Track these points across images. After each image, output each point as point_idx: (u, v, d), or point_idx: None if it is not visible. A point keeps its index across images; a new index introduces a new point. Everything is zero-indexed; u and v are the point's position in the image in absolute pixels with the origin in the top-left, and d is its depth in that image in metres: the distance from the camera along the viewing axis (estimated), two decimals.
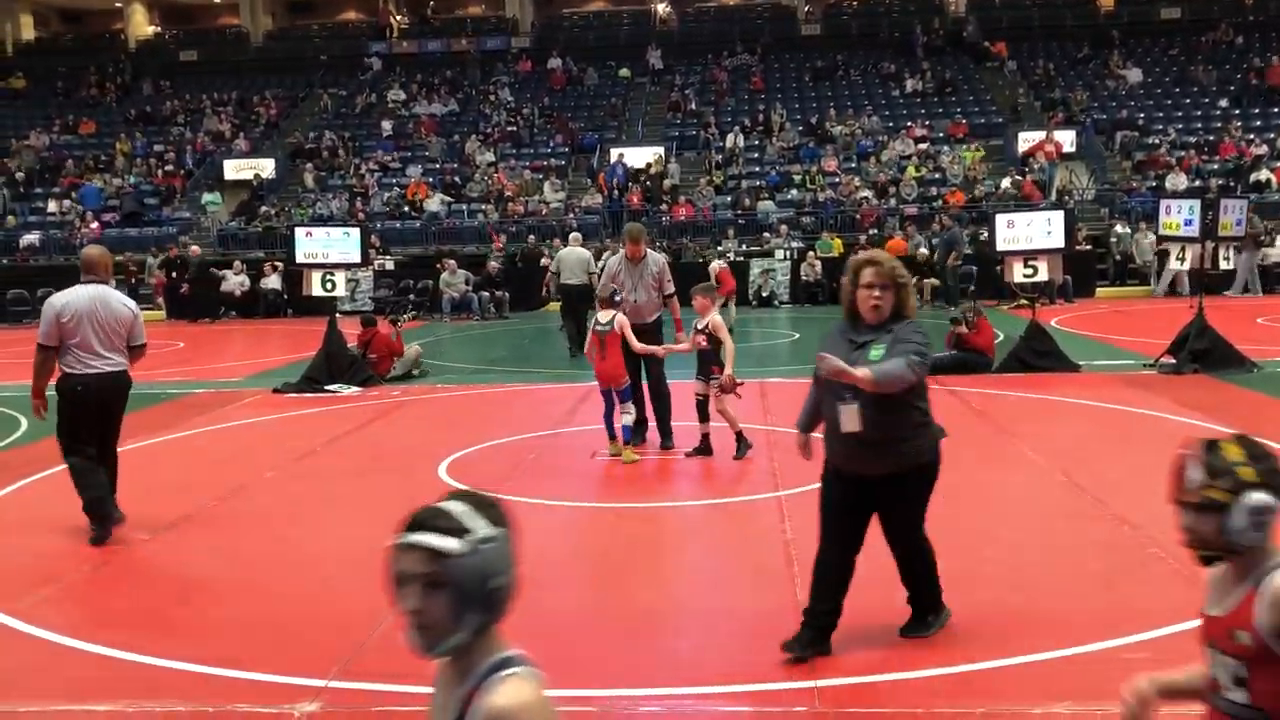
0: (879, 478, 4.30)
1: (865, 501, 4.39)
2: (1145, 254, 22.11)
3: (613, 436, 8.32)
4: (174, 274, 23.36)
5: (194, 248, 24.48)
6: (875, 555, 5.94)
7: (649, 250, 9.01)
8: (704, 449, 8.30)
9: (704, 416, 8.25)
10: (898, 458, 4.27)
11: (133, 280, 23.76)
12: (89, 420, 6.51)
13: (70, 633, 4.94)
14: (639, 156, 28.26)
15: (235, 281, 23.17)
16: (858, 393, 4.13)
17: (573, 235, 16.19)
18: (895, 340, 4.18)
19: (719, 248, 23.46)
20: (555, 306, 23.01)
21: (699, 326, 8.09)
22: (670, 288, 8.85)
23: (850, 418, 4.20)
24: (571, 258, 15.33)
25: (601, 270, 9.91)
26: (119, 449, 6.85)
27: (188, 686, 4.36)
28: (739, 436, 8.15)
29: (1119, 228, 23.11)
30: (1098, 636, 4.51)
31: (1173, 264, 13.31)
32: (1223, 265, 12.86)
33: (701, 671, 4.41)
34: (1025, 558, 5.78)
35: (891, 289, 4.27)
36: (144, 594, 5.62)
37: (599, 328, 8.22)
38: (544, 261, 21.29)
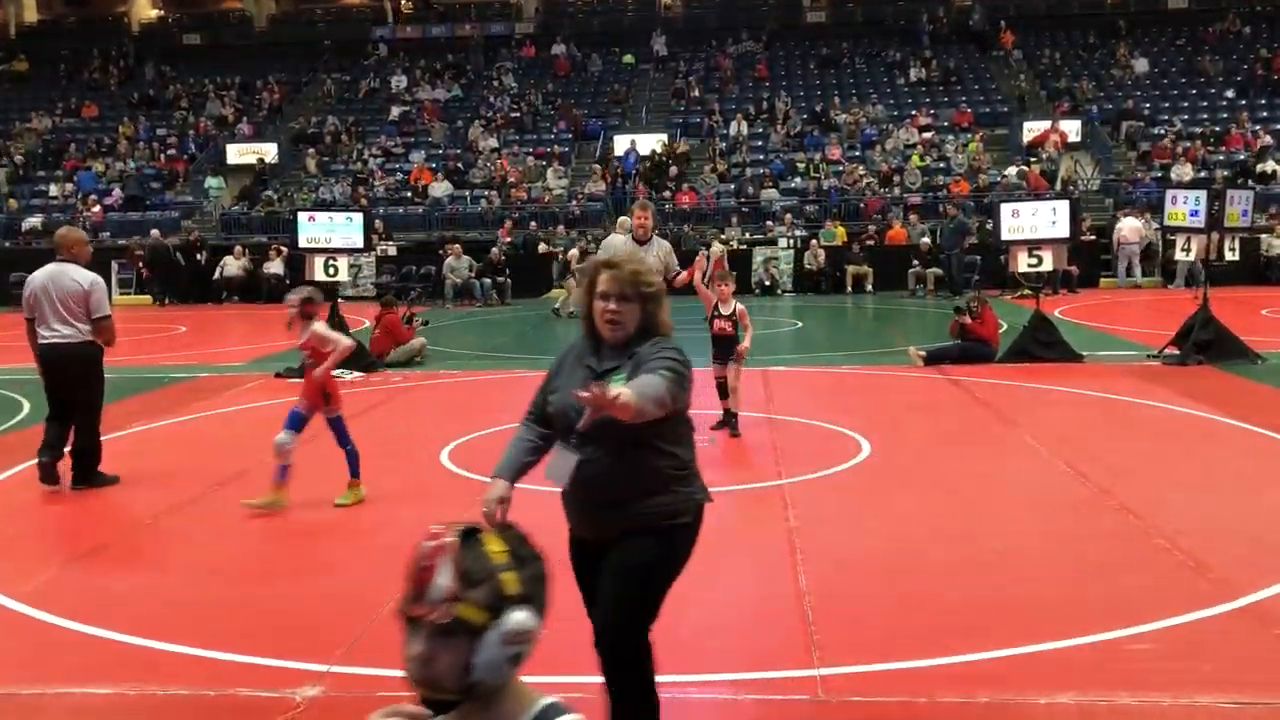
0: (612, 541, 3.29)
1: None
2: (1130, 240, 22.08)
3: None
4: (152, 262, 23.41)
5: (154, 232, 24.38)
6: (870, 541, 5.95)
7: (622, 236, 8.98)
8: (727, 421, 8.58)
9: (724, 394, 8.58)
10: (638, 517, 3.24)
11: (139, 265, 23.79)
12: (50, 386, 7.28)
13: (71, 616, 4.93)
14: (644, 144, 28.18)
15: (235, 266, 23.16)
16: (586, 438, 3.18)
17: (621, 220, 15.67)
18: (637, 364, 3.20)
19: (721, 234, 23.40)
20: (559, 293, 23.08)
21: (724, 313, 8.50)
22: (676, 268, 8.68)
23: (563, 469, 3.24)
24: (617, 244, 15.08)
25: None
26: (107, 431, 7.36)
27: (189, 670, 4.36)
28: (733, 415, 8.53)
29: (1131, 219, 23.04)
30: (1102, 627, 4.50)
31: (1178, 255, 13.26)
32: (1228, 256, 12.82)
33: (704, 659, 4.40)
34: (1029, 547, 5.77)
35: (636, 301, 3.30)
36: (145, 577, 5.61)
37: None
38: (572, 251, 21.02)
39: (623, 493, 3.24)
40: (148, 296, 23.58)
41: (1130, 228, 22.18)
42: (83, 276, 7.37)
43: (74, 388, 7.26)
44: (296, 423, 6.67)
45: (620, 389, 2.93)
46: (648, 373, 3.12)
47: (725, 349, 8.49)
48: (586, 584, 3.41)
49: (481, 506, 3.36)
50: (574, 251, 20.94)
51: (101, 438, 7.48)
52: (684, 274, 8.54)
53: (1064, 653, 4.31)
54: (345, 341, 6.90)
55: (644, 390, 3.01)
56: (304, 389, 6.85)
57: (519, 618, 1.66)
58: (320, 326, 6.86)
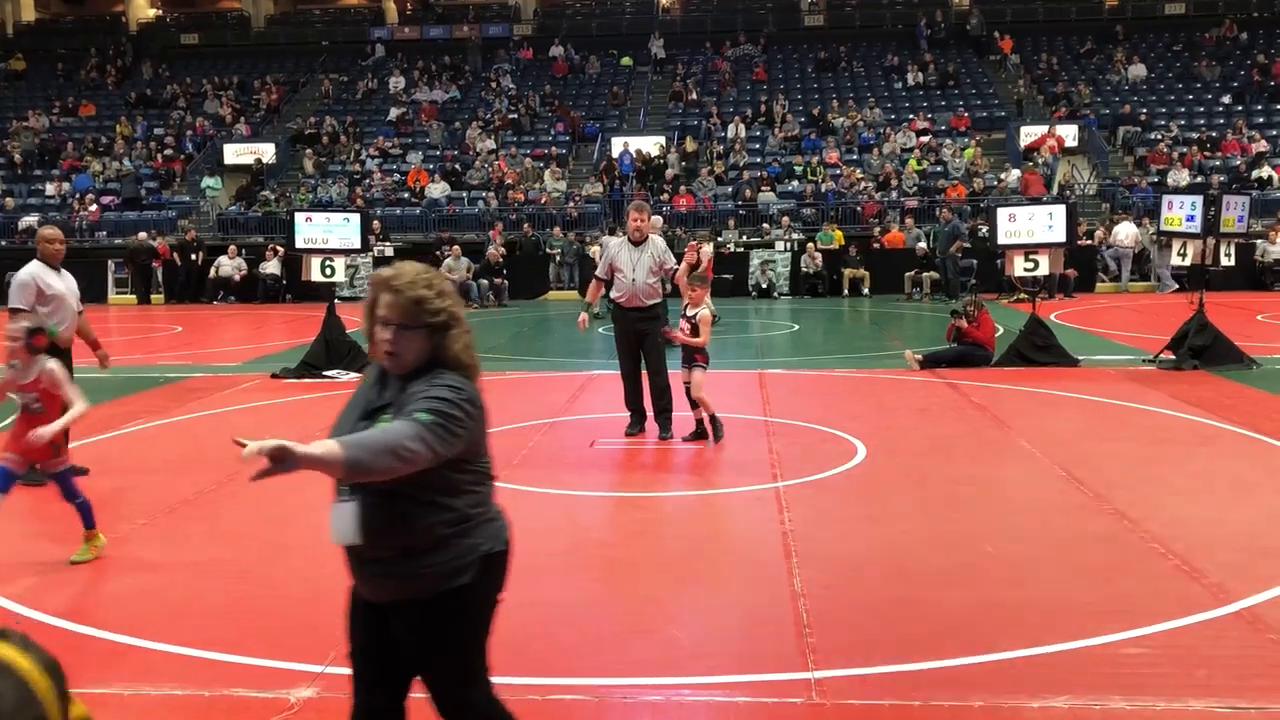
0: (390, 605, 2.92)
1: (390, 640, 2.98)
2: (1126, 244, 22.23)
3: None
4: (179, 258, 23.43)
5: (141, 234, 24.36)
6: (865, 544, 5.96)
7: (653, 236, 8.91)
8: (700, 434, 8.36)
9: (695, 403, 8.35)
10: (410, 579, 2.84)
11: (140, 264, 23.80)
12: None
13: (64, 616, 4.93)
14: (641, 145, 28.20)
15: (230, 266, 23.15)
16: (354, 487, 2.80)
17: (654, 219, 15.28)
18: (400, 406, 2.79)
19: (715, 235, 23.43)
20: (555, 295, 23.11)
21: (687, 314, 8.26)
22: (671, 266, 8.65)
23: (344, 522, 2.82)
24: (663, 243, 14.85)
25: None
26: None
27: (183, 671, 4.35)
28: (713, 419, 8.30)
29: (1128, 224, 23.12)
30: (1096, 631, 4.50)
31: (1174, 259, 13.29)
32: (1224, 261, 12.85)
33: (698, 661, 4.40)
34: (1024, 552, 5.77)
35: (419, 330, 2.84)
36: (139, 578, 5.60)
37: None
38: (593, 250, 20.94)
39: (387, 550, 2.82)
40: (135, 297, 23.59)
41: (1126, 233, 22.28)
42: (18, 274, 7.43)
43: None
44: (4, 482, 5.46)
45: (319, 449, 2.59)
46: (403, 416, 2.71)
47: (687, 352, 8.32)
48: (359, 643, 3.06)
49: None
50: (594, 249, 20.81)
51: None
52: (680, 270, 8.54)
53: (1058, 657, 4.32)
54: (81, 404, 5.61)
55: (359, 453, 2.58)
56: (15, 438, 5.56)
57: None
58: (54, 366, 5.61)
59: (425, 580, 2.82)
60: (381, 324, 2.85)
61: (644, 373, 8.63)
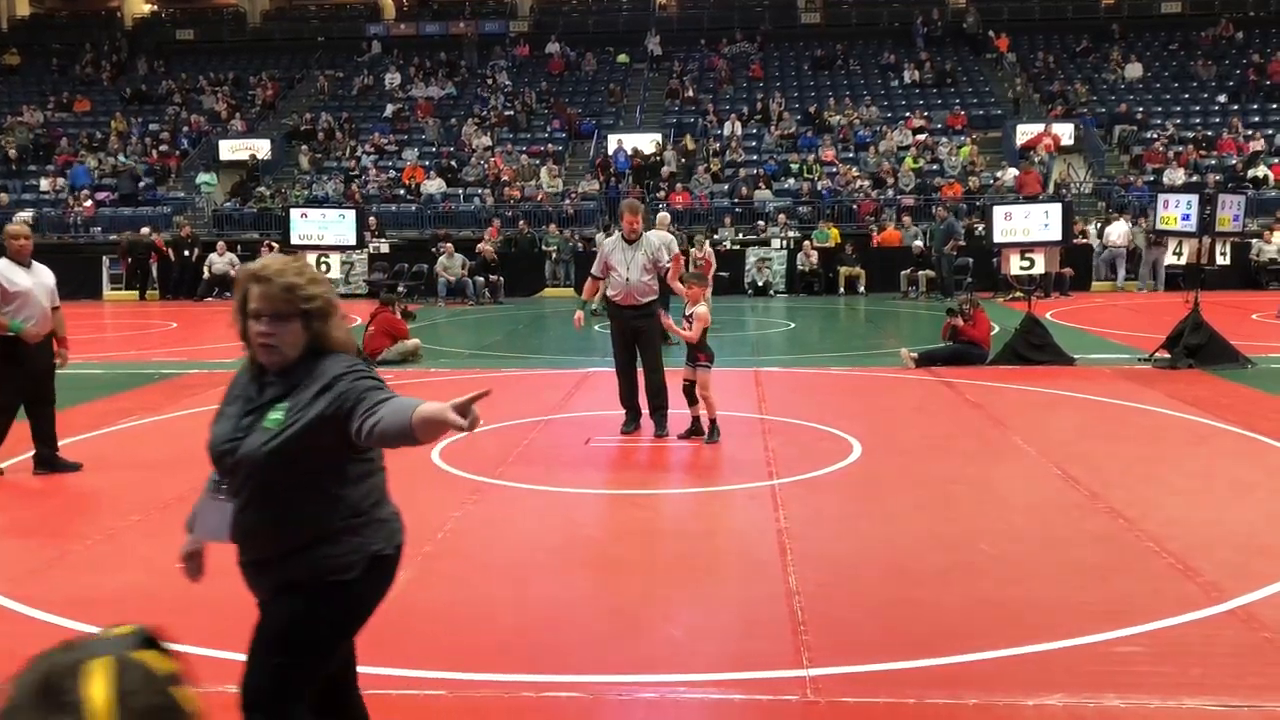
0: (270, 599, 2.84)
1: None
2: (1119, 244, 22.35)
3: None
4: (173, 254, 23.40)
5: (145, 229, 24.34)
6: (860, 542, 5.96)
7: (649, 233, 8.88)
8: (695, 430, 8.36)
9: (692, 400, 8.33)
10: (290, 569, 2.76)
11: (129, 260, 23.76)
12: None
13: (59, 611, 4.91)
14: (637, 143, 28.19)
15: (223, 262, 23.10)
16: (238, 486, 2.78)
17: (661, 216, 15.00)
18: (324, 391, 2.73)
19: (712, 233, 23.43)
20: (551, 292, 23.10)
21: (686, 314, 8.24)
22: (666, 265, 8.59)
23: (216, 520, 2.80)
24: (656, 240, 14.60)
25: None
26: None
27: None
28: (712, 423, 8.27)
29: (1121, 222, 23.15)
30: (1091, 629, 4.50)
31: (1169, 258, 13.32)
32: (1219, 260, 12.87)
33: (693, 659, 4.39)
34: (1019, 550, 5.77)
35: (295, 319, 2.77)
36: (134, 573, 5.59)
37: None
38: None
39: (275, 547, 2.75)
40: (135, 292, 23.53)
41: (1119, 232, 22.34)
42: None
43: None
44: None
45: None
46: (370, 401, 2.68)
47: (689, 350, 8.28)
48: None
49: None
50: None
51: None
52: (669, 275, 8.52)
53: (1053, 655, 4.32)
54: None
55: (386, 429, 2.62)
56: None
57: None
58: None
59: (301, 569, 2.75)
60: (254, 317, 2.77)
61: (640, 370, 8.62)
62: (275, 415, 2.74)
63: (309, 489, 2.75)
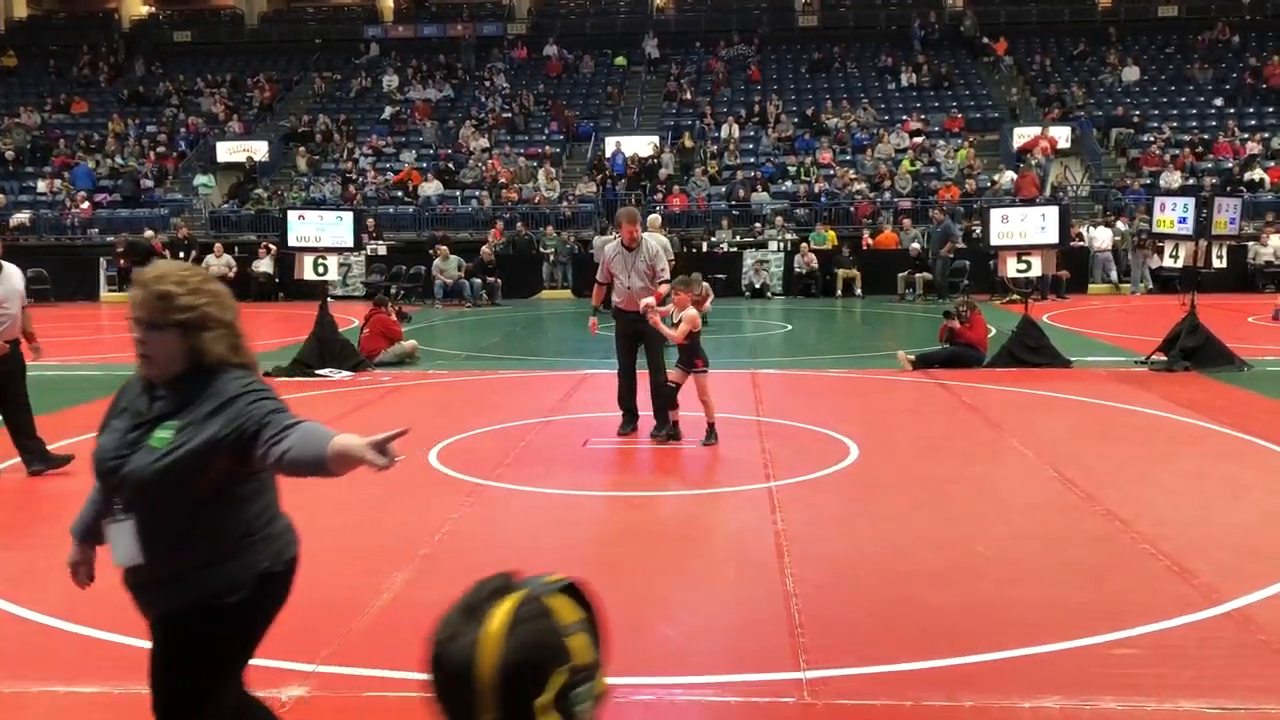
0: (158, 621, 2.76)
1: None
2: (1102, 244, 22.43)
3: None
4: (170, 255, 23.39)
5: (148, 231, 24.37)
6: (857, 544, 5.97)
7: (646, 235, 8.90)
8: (674, 434, 8.38)
9: (673, 404, 8.37)
10: (175, 593, 2.66)
11: (120, 261, 23.75)
12: None
13: (52, 612, 4.91)
14: (635, 145, 28.21)
15: (220, 264, 23.10)
16: (125, 504, 2.65)
17: (651, 218, 14.78)
18: (217, 411, 2.58)
19: (703, 280, 23.51)
20: (549, 294, 23.12)
21: (674, 320, 8.26)
22: (664, 274, 8.63)
23: (124, 542, 2.66)
24: (654, 246, 14.35)
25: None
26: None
27: None
28: (710, 426, 8.30)
29: (1120, 224, 23.20)
30: (1088, 631, 4.51)
31: (1165, 261, 13.35)
32: (1215, 263, 12.90)
33: (690, 661, 4.40)
34: (1015, 552, 5.78)
35: (170, 330, 2.62)
36: None
37: None
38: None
39: (160, 570, 2.64)
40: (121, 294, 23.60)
41: (1103, 236, 22.47)
42: None
43: None
44: None
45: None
46: (287, 432, 2.51)
47: (682, 354, 8.29)
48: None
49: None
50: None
51: None
52: (659, 291, 8.49)
53: (1049, 657, 4.33)
54: None
55: (299, 455, 2.46)
56: None
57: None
58: None
59: (188, 595, 2.64)
60: (134, 323, 2.65)
61: (641, 373, 8.65)
62: (163, 434, 2.59)
63: (197, 511, 2.62)
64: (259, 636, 2.81)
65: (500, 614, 1.35)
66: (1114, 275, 22.48)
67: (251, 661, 4.33)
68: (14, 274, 7.58)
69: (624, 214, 8.89)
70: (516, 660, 1.32)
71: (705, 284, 17.67)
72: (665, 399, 8.51)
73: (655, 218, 15.29)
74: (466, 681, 1.32)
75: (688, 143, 28.37)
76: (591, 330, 9.19)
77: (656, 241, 9.02)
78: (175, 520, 2.62)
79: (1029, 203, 19.04)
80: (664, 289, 8.46)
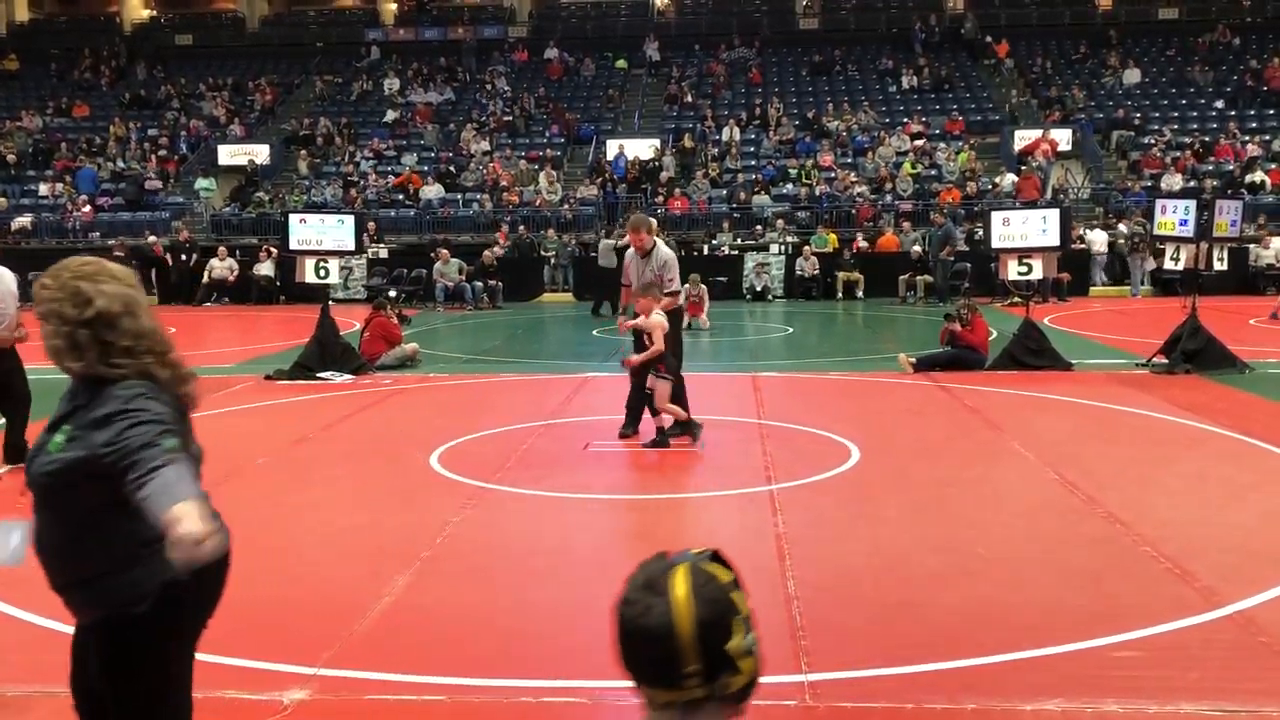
0: (87, 627, 2.70)
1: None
2: (1099, 247, 22.52)
3: None
4: (171, 258, 23.46)
5: (150, 237, 24.44)
6: (859, 546, 5.97)
7: (658, 243, 8.87)
8: (661, 442, 8.36)
9: (654, 411, 8.40)
10: (92, 601, 2.62)
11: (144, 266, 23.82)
12: None
13: (59, 616, 4.90)
14: (636, 147, 28.23)
15: (223, 267, 23.12)
16: (34, 503, 2.63)
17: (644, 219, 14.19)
18: (98, 425, 2.45)
19: (714, 240, 23.52)
20: (550, 297, 23.13)
21: (639, 324, 8.33)
22: (672, 285, 8.63)
23: (5, 540, 2.67)
24: (663, 255, 13.79)
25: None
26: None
27: None
28: (660, 430, 8.35)
29: (1122, 227, 23.22)
30: (1089, 633, 4.51)
31: (1167, 264, 13.35)
32: (1216, 266, 12.90)
33: None
34: (1016, 554, 5.78)
35: (49, 324, 2.55)
36: None
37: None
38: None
39: (65, 575, 2.61)
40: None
41: (1100, 239, 22.51)
42: None
43: None
44: None
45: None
46: (148, 479, 2.31)
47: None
48: (71, 671, 2.78)
49: None
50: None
51: None
52: (667, 301, 8.49)
53: (1050, 659, 4.32)
54: None
55: (168, 516, 2.23)
56: None
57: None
58: None
59: (100, 602, 2.59)
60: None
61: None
62: (58, 438, 2.52)
63: (91, 517, 2.52)
64: (183, 646, 2.74)
65: (680, 583, 1.62)
66: (1100, 279, 22.53)
67: (250, 665, 4.34)
68: (8, 276, 7.75)
69: (631, 221, 8.91)
70: (707, 616, 1.61)
71: (703, 286, 17.76)
72: (636, 401, 8.52)
73: (651, 221, 15.15)
74: (670, 641, 1.59)
75: (688, 143, 28.39)
76: (620, 329, 9.29)
77: (668, 251, 8.94)
78: (70, 526, 2.55)
79: (1030, 205, 19.06)
80: (667, 301, 8.45)
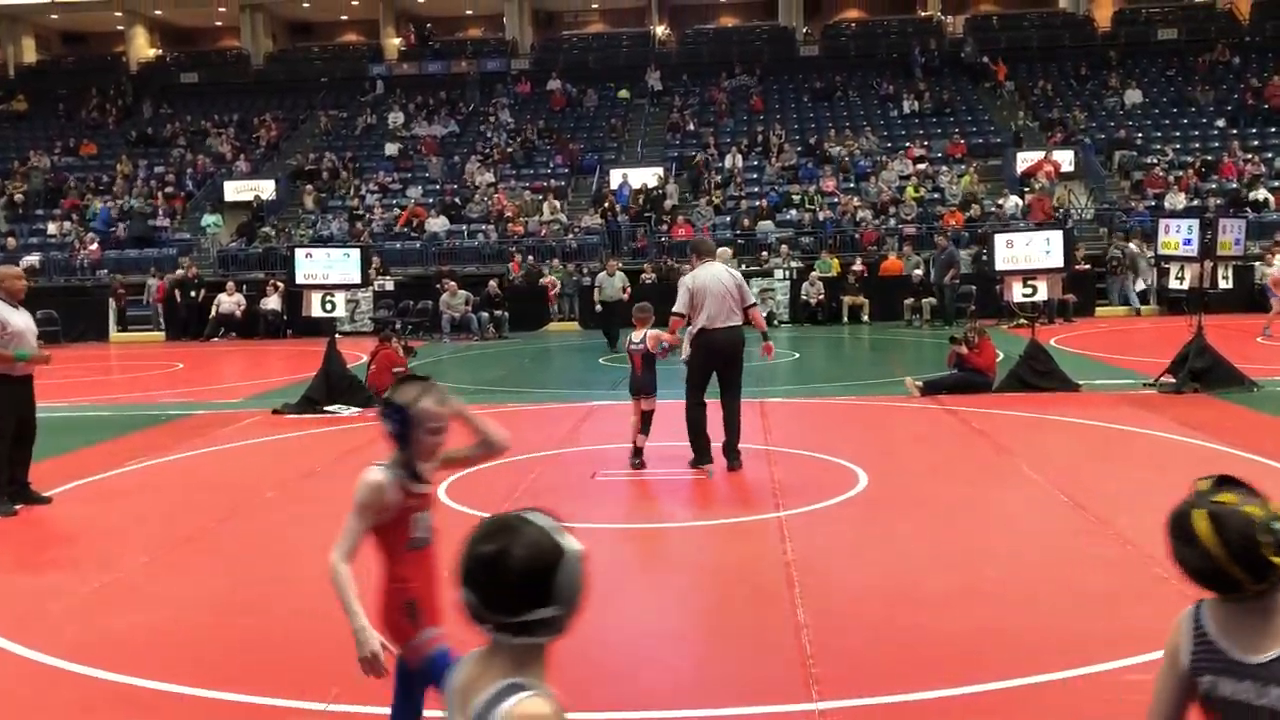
0: None
1: None
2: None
3: None
4: (179, 294, 23.67)
5: (179, 269, 24.68)
6: (869, 572, 5.94)
7: (694, 268, 8.85)
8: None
9: (645, 429, 8.55)
10: None
11: (122, 304, 23.99)
12: None
13: (65, 655, 4.91)
14: (639, 176, 28.35)
15: (231, 302, 23.21)
16: None
17: (722, 250, 12.95)
18: None
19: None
20: (555, 327, 23.17)
21: (634, 341, 8.52)
22: (675, 308, 8.55)
23: None
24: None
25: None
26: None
27: (185, 710, 4.33)
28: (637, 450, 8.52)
29: (1132, 245, 23.19)
30: (1102, 657, 4.48)
31: (1172, 283, 13.33)
32: (1221, 284, 12.89)
33: (702, 693, 4.38)
34: (1027, 577, 5.76)
35: None
36: (141, 615, 5.58)
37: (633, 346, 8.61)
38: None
39: None
40: (130, 333, 23.84)
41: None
42: None
43: None
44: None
45: None
46: None
47: (637, 382, 8.52)
48: None
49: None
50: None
51: None
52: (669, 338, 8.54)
53: (1064, 684, 4.30)
54: None
55: None
56: None
57: None
58: None
59: None
60: None
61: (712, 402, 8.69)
62: None
63: None
64: None
65: (1203, 526, 2.15)
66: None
67: (260, 701, 4.34)
68: (26, 315, 7.95)
69: (693, 245, 9.25)
70: (1238, 547, 2.07)
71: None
72: (695, 432, 8.53)
73: (725, 250, 14.47)
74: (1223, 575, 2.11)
75: (697, 157, 28.51)
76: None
77: (685, 278, 8.80)
78: None
79: (1041, 227, 19.11)
80: (667, 337, 8.53)
